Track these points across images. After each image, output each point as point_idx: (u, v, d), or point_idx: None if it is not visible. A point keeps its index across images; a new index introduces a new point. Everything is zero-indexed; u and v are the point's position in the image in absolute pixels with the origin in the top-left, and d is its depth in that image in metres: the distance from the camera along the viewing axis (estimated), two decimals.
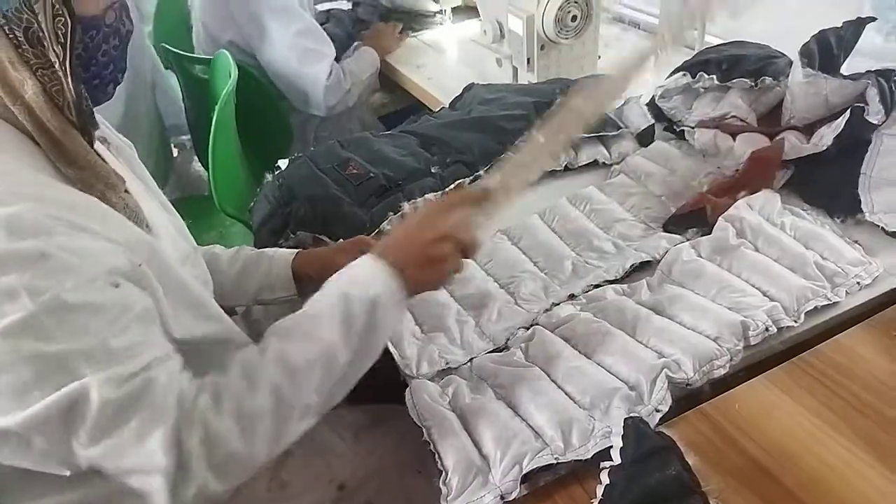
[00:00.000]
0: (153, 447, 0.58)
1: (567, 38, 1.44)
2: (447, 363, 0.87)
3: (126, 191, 0.74)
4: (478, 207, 0.79)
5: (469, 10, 2.02)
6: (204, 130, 1.55)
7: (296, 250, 0.99)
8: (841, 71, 1.16)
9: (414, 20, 2.08)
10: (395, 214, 1.07)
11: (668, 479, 0.58)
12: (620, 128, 1.25)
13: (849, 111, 1.05)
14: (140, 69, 1.76)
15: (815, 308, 0.86)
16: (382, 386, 0.90)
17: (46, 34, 0.61)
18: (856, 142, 1.06)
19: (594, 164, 1.23)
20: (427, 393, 0.81)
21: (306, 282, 0.96)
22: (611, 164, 1.22)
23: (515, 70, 1.57)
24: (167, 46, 1.72)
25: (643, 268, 0.98)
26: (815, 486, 0.66)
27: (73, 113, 0.64)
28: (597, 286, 0.95)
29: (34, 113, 0.62)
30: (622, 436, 0.64)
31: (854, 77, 1.08)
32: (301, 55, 1.69)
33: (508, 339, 0.89)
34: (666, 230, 1.04)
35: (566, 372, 0.80)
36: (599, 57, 1.60)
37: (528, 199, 1.16)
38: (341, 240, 1.02)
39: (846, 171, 1.04)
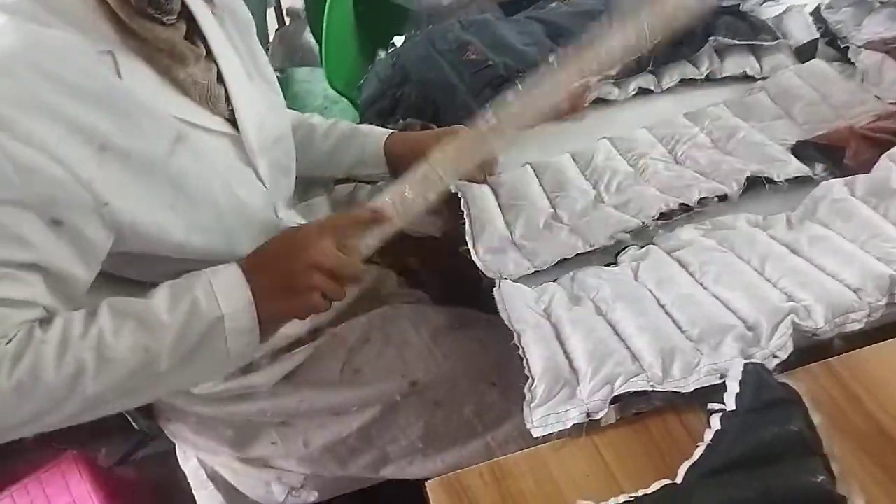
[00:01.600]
0: None
1: None
2: (533, 267, 0.82)
3: (209, 57, 0.72)
4: (365, 230, 0.73)
5: None
6: (318, 2, 1.50)
7: (390, 130, 0.97)
8: None
9: None
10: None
11: (788, 435, 0.52)
12: (778, 38, 1.10)
13: None
14: None
15: None
16: (469, 289, 0.87)
17: None
18: None
19: (741, 77, 1.09)
20: (522, 297, 0.77)
21: (398, 161, 0.94)
22: (760, 79, 1.08)
23: None
24: None
25: (773, 198, 0.87)
26: None
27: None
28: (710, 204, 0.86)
29: None
30: (740, 381, 0.58)
31: None
32: None
33: (613, 248, 0.83)
34: (794, 153, 0.92)
35: (678, 298, 0.73)
36: None
37: (651, 107, 1.06)
38: None
39: None
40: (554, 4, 1.20)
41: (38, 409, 0.58)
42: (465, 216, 0.89)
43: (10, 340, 0.57)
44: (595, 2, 1.15)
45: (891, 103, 1.00)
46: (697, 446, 0.56)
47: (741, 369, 0.61)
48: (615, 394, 0.66)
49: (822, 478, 0.49)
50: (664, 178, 0.91)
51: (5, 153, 0.55)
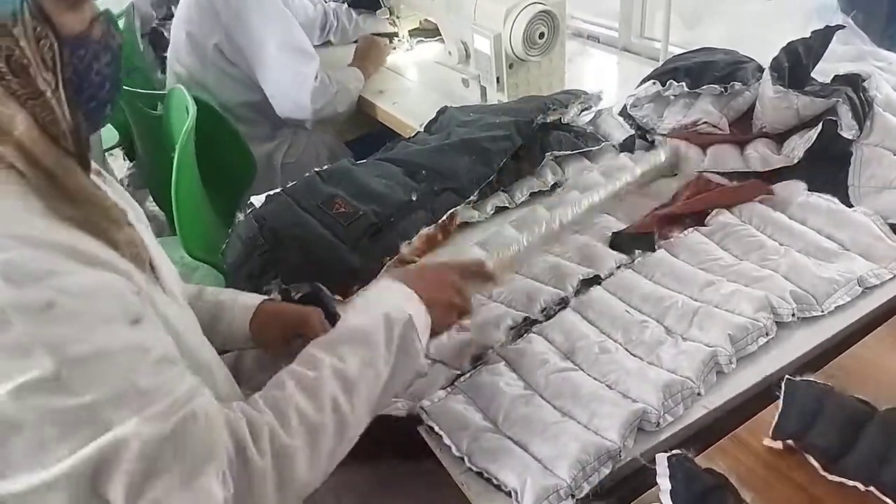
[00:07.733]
0: (207, 484, 0.54)
1: (536, 56, 1.42)
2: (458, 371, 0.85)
3: (130, 224, 0.69)
4: (474, 279, 0.86)
5: (426, 31, 1.99)
6: (159, 169, 1.47)
7: (255, 299, 0.93)
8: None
9: None
10: (390, 259, 1.02)
11: None
12: (602, 141, 1.24)
13: (821, 125, 1.06)
14: None
15: None
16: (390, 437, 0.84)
17: (32, 60, 0.55)
18: (827, 154, 1.07)
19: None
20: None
21: (264, 337, 0.92)
22: None
23: (484, 90, 1.54)
24: None
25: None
26: None
27: (71, 142, 0.58)
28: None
29: (26, 149, 0.56)
30: (669, 476, 0.60)
31: (825, 93, 1.09)
32: (290, 55, 1.66)
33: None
34: (612, 247, 1.02)
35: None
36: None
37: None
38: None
39: (821, 184, 1.06)
40: (400, 144, 1.26)
41: (326, 451, 0.63)
42: None
43: (261, 414, 0.61)
44: (438, 137, 1.22)
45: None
46: None
47: (666, 464, 0.63)
48: None
49: None
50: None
51: (65, 293, 0.53)
